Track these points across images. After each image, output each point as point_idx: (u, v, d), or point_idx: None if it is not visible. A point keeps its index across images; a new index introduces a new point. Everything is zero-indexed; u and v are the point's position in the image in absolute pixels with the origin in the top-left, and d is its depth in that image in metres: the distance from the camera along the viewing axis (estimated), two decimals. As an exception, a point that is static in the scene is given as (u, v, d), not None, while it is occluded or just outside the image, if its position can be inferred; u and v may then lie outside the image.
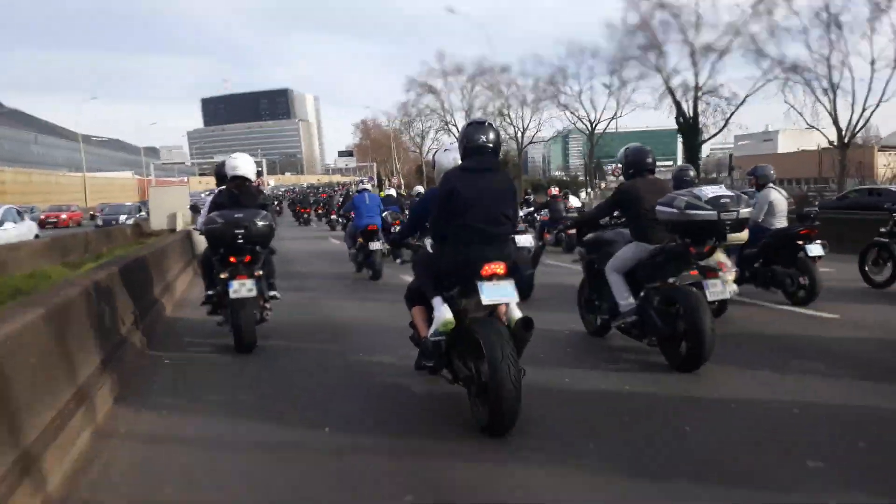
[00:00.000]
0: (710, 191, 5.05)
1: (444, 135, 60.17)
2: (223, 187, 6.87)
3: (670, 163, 71.58)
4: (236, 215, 6.18)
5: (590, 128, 44.51)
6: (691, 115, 35.08)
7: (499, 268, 3.92)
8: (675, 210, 4.97)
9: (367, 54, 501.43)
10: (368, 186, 13.53)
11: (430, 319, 4.28)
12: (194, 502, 3.21)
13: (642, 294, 5.32)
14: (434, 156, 5.06)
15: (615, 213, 6.06)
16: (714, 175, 64.13)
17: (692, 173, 7.65)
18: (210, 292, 6.48)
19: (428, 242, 4.79)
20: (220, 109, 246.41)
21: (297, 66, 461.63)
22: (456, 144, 4.49)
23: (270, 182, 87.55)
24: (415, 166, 74.70)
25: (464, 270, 3.99)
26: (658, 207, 5.14)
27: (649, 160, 5.72)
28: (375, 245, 11.14)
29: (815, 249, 7.38)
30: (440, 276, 4.22)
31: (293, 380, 5.22)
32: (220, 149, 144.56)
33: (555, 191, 16.84)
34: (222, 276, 6.09)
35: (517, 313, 4.03)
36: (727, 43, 33.01)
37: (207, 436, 4.02)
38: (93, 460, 3.61)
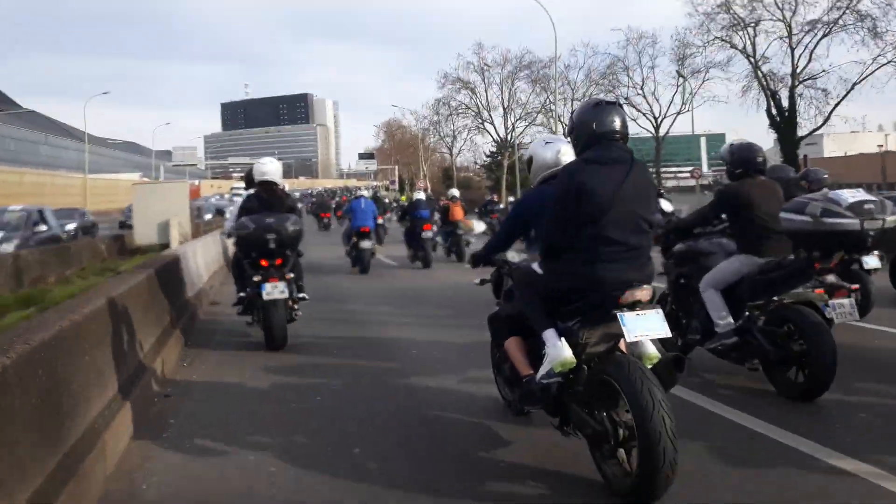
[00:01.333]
0: (849, 195, 4.53)
1: (478, 135, 55.42)
2: (251, 191, 6.96)
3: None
4: (267, 220, 6.35)
5: (655, 123, 38.55)
6: (785, 107, 29.60)
7: (643, 293, 3.21)
8: (807, 218, 4.49)
9: (388, 60, 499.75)
10: (365, 193, 15.56)
11: (531, 353, 3.64)
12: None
13: (746, 314, 4.84)
14: (530, 150, 4.35)
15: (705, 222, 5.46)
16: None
17: (793, 173, 7.07)
18: (242, 294, 6.70)
19: (512, 256, 4.18)
20: (239, 114, 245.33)
21: (318, 71, 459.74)
22: (555, 137, 4.14)
23: (285, 186, 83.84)
24: (440, 169, 70.09)
25: (594, 295, 3.28)
26: (783, 215, 4.65)
27: (759, 158, 5.10)
28: (366, 244, 13.06)
29: (871, 261, 6.77)
30: (554, 302, 3.45)
31: (349, 413, 4.51)
32: (234, 152, 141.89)
33: None
34: (255, 279, 6.29)
35: (650, 348, 3.36)
36: (833, 20, 27.51)
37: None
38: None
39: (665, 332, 3.21)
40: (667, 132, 39.05)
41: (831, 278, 4.71)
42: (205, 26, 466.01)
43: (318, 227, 30.43)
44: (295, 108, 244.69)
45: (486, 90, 49.80)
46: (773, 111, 29.69)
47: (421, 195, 16.27)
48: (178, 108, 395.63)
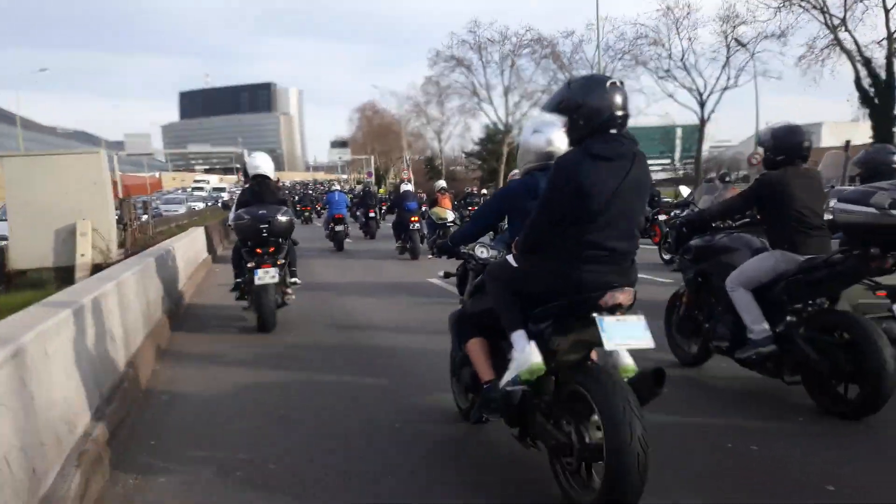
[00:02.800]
0: None
1: (471, 118, 49.48)
2: (246, 186, 7.59)
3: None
4: (260, 212, 6.95)
5: (700, 100, 32.68)
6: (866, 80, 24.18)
7: (624, 297, 2.88)
8: (872, 210, 3.78)
9: (355, 53, 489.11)
10: (337, 187, 19.43)
11: (495, 357, 3.41)
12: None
13: (788, 319, 4.36)
14: (521, 139, 3.93)
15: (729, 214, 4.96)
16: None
17: None
18: (239, 280, 7.28)
19: (481, 251, 3.84)
20: (198, 103, 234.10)
21: (283, 66, 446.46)
22: (545, 123, 3.51)
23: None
24: (424, 161, 63.70)
25: (572, 297, 2.94)
26: (841, 205, 4.04)
27: (805, 143, 4.42)
28: (339, 227, 16.40)
29: None
30: (528, 302, 3.14)
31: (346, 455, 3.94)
32: (194, 140, 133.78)
33: None
34: (249, 265, 6.85)
35: (627, 359, 3.02)
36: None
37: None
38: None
39: (647, 342, 2.86)
40: (713, 109, 33.44)
41: None
42: (165, 18, 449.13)
43: (300, 221, 29.44)
44: (257, 97, 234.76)
45: (483, 68, 43.98)
46: (865, 83, 24.24)
47: (409, 187, 16.79)
48: (134, 99, 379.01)
